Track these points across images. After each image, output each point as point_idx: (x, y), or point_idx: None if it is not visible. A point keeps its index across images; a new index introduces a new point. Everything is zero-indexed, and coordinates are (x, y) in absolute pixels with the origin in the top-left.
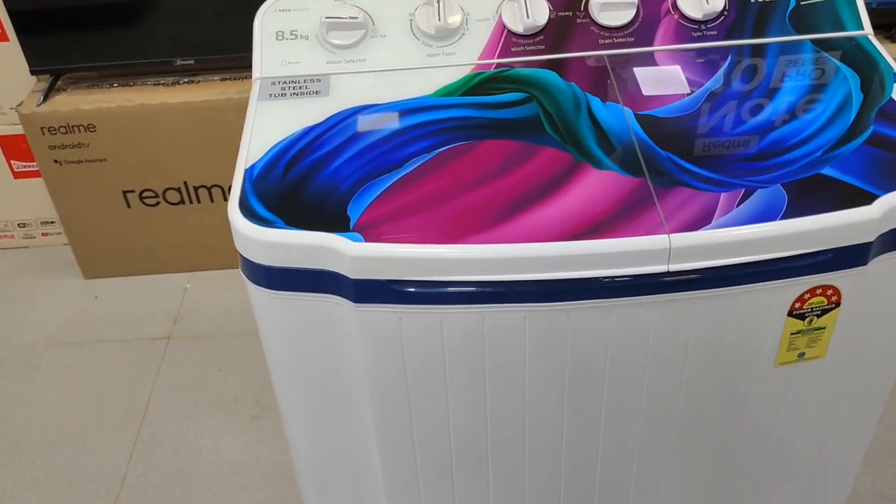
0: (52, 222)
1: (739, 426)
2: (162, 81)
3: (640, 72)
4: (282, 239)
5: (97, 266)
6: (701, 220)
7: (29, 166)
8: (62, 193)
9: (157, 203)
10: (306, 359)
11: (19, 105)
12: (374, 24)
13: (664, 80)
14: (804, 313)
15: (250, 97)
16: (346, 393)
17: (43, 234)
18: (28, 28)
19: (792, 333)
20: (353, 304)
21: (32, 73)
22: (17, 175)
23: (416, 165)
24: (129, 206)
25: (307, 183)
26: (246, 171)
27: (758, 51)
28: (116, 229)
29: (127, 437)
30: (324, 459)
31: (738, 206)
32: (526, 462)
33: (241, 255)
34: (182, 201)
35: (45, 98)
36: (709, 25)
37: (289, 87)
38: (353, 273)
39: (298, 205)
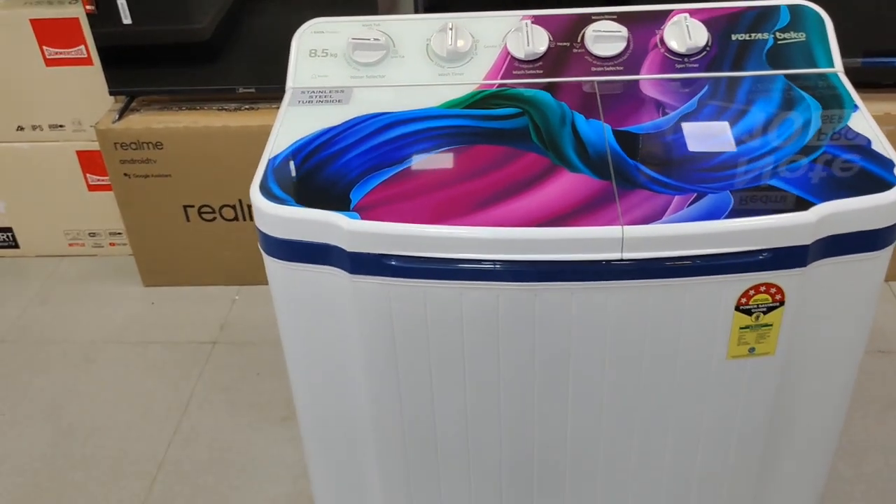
0: (119, 233)
1: (699, 415)
2: (225, 107)
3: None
4: (291, 214)
5: (156, 275)
6: (653, 217)
7: (102, 180)
8: (129, 205)
9: (214, 218)
10: (309, 325)
11: (97, 122)
12: (394, 46)
13: (646, 103)
14: (750, 309)
15: (282, 103)
16: (343, 359)
17: (110, 244)
18: (110, 56)
19: (741, 328)
20: (349, 275)
21: (111, 93)
22: (91, 188)
23: (415, 162)
24: (188, 219)
25: (319, 172)
26: (269, 160)
27: (733, 82)
28: (176, 241)
29: (168, 427)
30: (325, 422)
31: (688, 206)
32: (502, 434)
33: (258, 229)
34: (236, 217)
35: (121, 116)
36: (692, 59)
37: (315, 96)
38: (349, 246)
39: (309, 188)
